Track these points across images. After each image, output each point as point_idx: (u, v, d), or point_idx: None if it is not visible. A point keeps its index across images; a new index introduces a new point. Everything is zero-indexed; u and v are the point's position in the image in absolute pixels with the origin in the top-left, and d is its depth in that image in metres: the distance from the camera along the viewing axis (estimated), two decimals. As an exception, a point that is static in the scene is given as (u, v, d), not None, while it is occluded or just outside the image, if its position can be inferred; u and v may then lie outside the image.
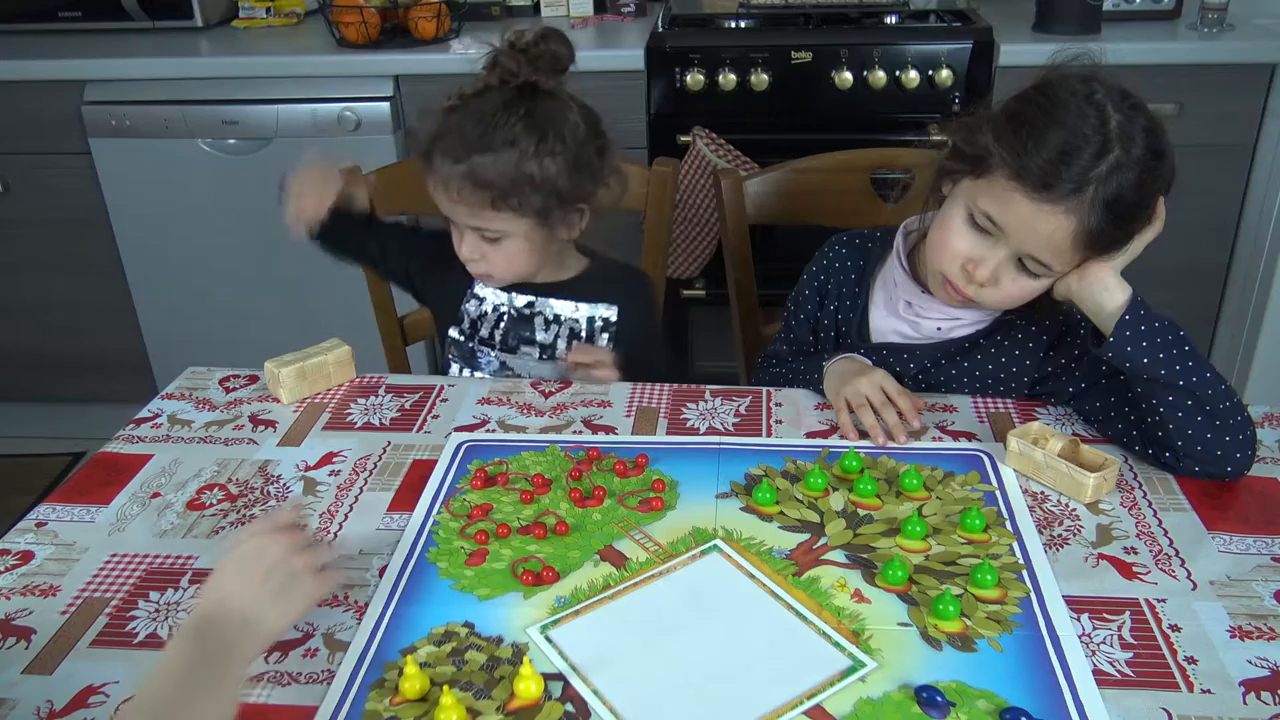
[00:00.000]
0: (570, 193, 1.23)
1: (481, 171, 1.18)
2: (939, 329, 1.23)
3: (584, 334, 1.36)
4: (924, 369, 1.25)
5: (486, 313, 1.37)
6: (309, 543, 0.85)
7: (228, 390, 1.28)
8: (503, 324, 1.36)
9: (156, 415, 1.23)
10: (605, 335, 1.36)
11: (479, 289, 1.37)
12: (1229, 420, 1.03)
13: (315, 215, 1.31)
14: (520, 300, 1.35)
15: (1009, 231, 1.07)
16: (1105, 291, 1.06)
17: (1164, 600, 0.90)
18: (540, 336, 1.36)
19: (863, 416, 1.14)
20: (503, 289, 1.36)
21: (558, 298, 1.35)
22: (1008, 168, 1.04)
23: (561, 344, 1.35)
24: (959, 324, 1.22)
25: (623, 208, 1.57)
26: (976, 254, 1.11)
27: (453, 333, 1.40)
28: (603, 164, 1.26)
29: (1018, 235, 1.07)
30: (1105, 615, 0.89)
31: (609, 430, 1.17)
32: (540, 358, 1.36)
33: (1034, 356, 1.21)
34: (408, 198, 1.61)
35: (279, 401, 1.24)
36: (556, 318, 1.35)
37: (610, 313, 1.36)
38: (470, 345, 1.38)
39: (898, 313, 1.25)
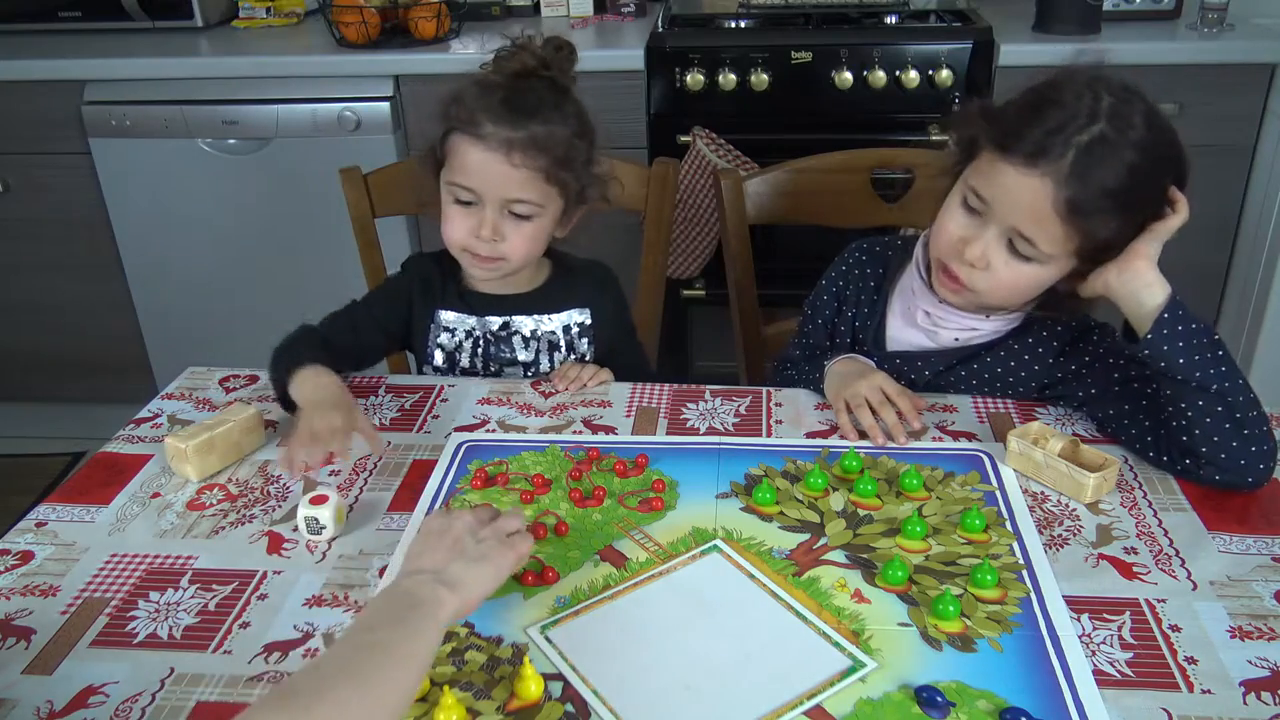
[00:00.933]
0: (591, 184, 1.26)
1: (544, 138, 1.18)
2: (956, 339, 1.23)
3: (562, 344, 1.34)
4: (937, 373, 1.25)
5: (461, 341, 1.34)
6: (494, 515, 0.87)
7: (228, 390, 1.28)
8: (480, 349, 1.34)
9: (156, 415, 1.23)
10: (584, 340, 1.35)
11: (444, 318, 1.33)
12: (1255, 430, 1.03)
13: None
14: (495, 323, 1.33)
15: (994, 204, 1.07)
16: (1146, 287, 1.05)
17: (1164, 600, 0.90)
18: (521, 356, 1.34)
19: (861, 417, 1.13)
20: (473, 314, 1.33)
21: (529, 313, 1.33)
22: (993, 141, 1.05)
23: (544, 359, 1.34)
24: (976, 334, 1.22)
25: (623, 208, 1.58)
26: (967, 234, 1.11)
27: (427, 372, 1.37)
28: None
29: (1001, 206, 1.06)
30: (1105, 615, 0.88)
31: (609, 430, 1.17)
32: (525, 375, 1.34)
33: (1043, 362, 1.21)
34: (407, 198, 1.62)
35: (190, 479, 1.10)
36: (533, 333, 1.33)
37: (584, 316, 1.35)
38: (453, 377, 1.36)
39: (915, 323, 1.24)
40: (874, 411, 1.14)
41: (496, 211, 1.21)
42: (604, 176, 1.29)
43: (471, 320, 1.33)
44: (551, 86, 1.22)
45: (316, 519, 0.99)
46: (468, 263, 1.27)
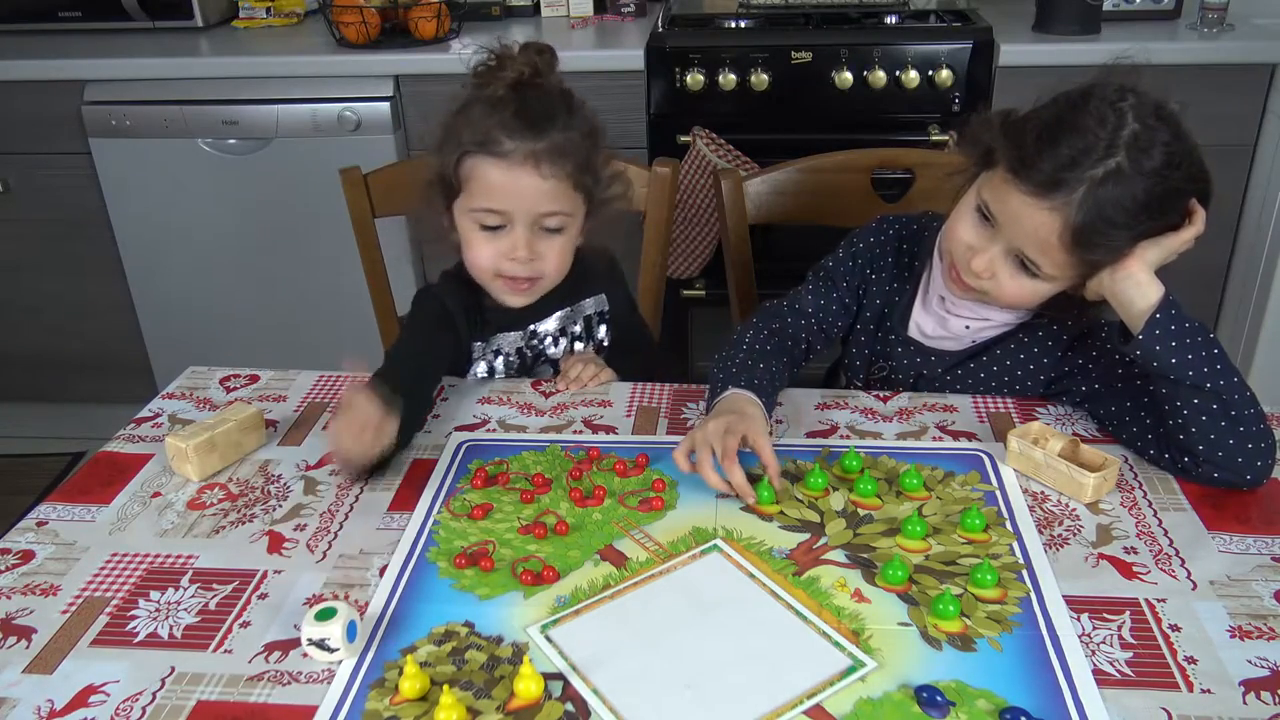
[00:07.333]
0: (603, 185, 1.24)
1: (564, 145, 1.16)
2: (967, 327, 1.23)
3: (583, 332, 1.36)
4: (948, 368, 1.25)
5: (509, 357, 1.33)
6: None
7: (228, 390, 1.28)
8: (519, 360, 1.34)
9: (157, 415, 1.23)
10: (603, 327, 1.37)
11: (495, 341, 1.31)
12: (1252, 428, 1.02)
13: (360, 463, 1.06)
14: (532, 329, 1.32)
15: (1002, 224, 1.08)
16: (1137, 287, 1.04)
17: (1164, 600, 0.90)
18: (551, 351, 1.35)
19: (702, 468, 1.03)
20: (513, 329, 1.31)
21: (553, 310, 1.33)
22: (1007, 159, 1.05)
23: (579, 346, 1.36)
24: (988, 325, 1.22)
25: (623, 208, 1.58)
26: (977, 244, 1.11)
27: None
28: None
29: (1009, 228, 1.07)
30: (1105, 615, 0.89)
31: (609, 430, 1.17)
32: (555, 373, 1.35)
33: (1051, 355, 1.21)
34: (407, 198, 1.61)
35: (191, 480, 1.10)
36: (562, 329, 1.34)
37: (601, 304, 1.37)
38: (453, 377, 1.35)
39: (930, 307, 1.24)
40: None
41: (528, 229, 1.18)
42: (616, 175, 1.27)
43: (514, 334, 1.32)
44: (560, 92, 1.19)
45: (325, 640, 0.84)
46: (500, 289, 1.24)
